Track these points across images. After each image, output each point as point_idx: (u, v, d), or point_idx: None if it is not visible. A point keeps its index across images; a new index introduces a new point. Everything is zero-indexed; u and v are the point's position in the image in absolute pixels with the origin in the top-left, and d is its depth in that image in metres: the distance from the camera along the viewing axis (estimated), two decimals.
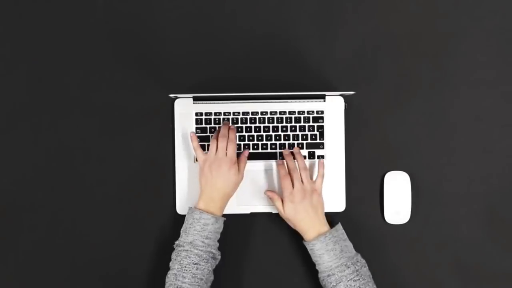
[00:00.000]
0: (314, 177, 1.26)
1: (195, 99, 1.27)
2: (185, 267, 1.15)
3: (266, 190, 1.26)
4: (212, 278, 1.19)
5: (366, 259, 1.20)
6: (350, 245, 1.21)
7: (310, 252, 1.21)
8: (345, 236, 1.21)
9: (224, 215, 1.22)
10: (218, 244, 1.20)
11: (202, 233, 1.17)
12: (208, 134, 1.27)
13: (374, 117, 1.30)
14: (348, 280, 1.15)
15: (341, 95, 1.28)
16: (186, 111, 1.28)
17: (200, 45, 1.30)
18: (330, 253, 1.17)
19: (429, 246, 1.29)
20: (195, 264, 1.16)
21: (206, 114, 1.28)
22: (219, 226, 1.19)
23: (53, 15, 1.30)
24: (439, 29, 1.30)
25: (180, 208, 1.28)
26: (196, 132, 1.27)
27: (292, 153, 1.26)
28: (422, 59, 1.30)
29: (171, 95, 1.23)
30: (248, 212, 1.28)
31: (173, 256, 1.18)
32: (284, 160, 1.25)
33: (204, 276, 1.16)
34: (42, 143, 1.29)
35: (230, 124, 1.27)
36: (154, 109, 1.29)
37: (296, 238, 1.28)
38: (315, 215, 1.21)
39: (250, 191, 1.27)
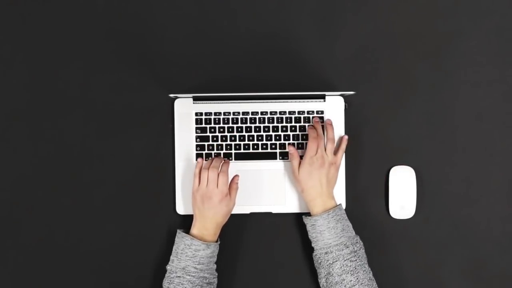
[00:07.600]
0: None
1: (195, 99, 1.27)
2: None
3: (289, 144, 1.26)
4: None
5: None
6: (350, 225, 1.21)
7: (310, 228, 1.20)
8: (346, 216, 1.21)
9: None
10: (215, 266, 1.20)
11: (194, 259, 1.16)
12: (208, 134, 1.27)
13: (374, 117, 1.30)
14: (345, 260, 1.15)
15: (341, 95, 1.28)
16: (186, 111, 1.28)
17: (200, 45, 1.30)
18: (331, 231, 1.17)
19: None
20: None
21: (206, 114, 1.28)
22: (211, 251, 1.18)
23: (53, 15, 1.30)
24: (439, 29, 1.30)
25: (180, 208, 1.28)
26: (196, 132, 1.27)
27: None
28: (422, 59, 1.30)
29: (171, 95, 1.23)
30: (248, 212, 1.28)
31: (166, 284, 1.17)
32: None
33: None
34: (42, 143, 1.29)
35: (224, 158, 1.25)
36: (154, 109, 1.29)
37: (296, 238, 1.28)
38: (326, 187, 1.20)
39: (250, 191, 1.27)
